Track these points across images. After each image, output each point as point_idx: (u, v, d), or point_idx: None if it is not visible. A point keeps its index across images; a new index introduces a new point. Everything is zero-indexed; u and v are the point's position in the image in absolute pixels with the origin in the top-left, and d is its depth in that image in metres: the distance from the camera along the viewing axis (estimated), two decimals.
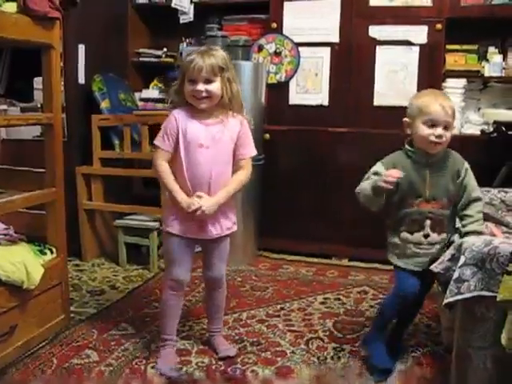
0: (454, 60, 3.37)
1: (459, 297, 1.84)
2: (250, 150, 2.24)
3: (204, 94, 2.08)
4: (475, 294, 1.81)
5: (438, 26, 3.28)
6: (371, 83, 3.43)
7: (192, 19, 3.84)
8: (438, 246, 2.21)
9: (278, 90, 3.61)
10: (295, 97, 3.59)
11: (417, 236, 2.23)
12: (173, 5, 3.81)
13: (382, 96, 3.42)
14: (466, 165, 2.24)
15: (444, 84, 3.35)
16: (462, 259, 1.84)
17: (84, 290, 3.05)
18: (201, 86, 2.07)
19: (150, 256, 3.35)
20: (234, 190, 2.21)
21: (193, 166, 2.13)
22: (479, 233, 2.14)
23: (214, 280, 2.34)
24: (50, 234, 2.54)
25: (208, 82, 2.08)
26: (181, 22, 3.86)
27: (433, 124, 2.13)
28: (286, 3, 3.55)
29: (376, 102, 3.44)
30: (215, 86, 2.09)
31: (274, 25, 3.58)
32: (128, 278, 3.27)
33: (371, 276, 3.34)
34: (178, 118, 2.14)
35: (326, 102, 3.53)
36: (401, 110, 3.34)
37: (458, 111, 3.31)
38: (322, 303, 2.92)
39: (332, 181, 3.54)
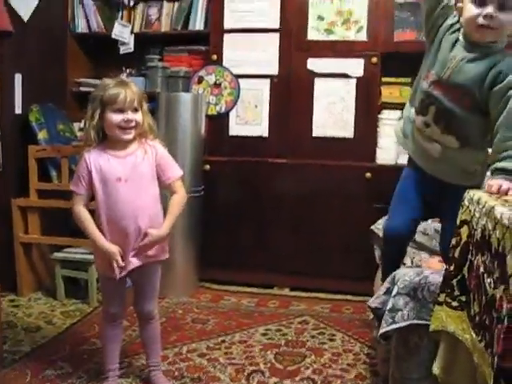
0: (389, 92, 3.47)
1: (394, 326, 1.87)
2: (175, 171, 2.22)
3: (133, 124, 2.08)
4: (408, 322, 1.85)
5: (374, 59, 3.38)
6: (310, 115, 3.49)
7: (132, 50, 3.83)
8: (439, 149, 1.95)
9: (218, 121, 3.63)
10: (235, 128, 3.61)
11: (419, 119, 1.99)
12: (113, 35, 3.81)
13: (321, 127, 3.48)
14: None
15: (380, 116, 3.44)
16: (395, 289, 1.88)
17: (19, 327, 2.94)
18: (131, 115, 2.07)
19: (89, 290, 3.27)
20: (177, 213, 2.21)
21: (116, 202, 2.10)
22: (509, 171, 1.75)
23: (144, 312, 2.30)
24: None
25: (135, 111, 2.09)
26: (121, 52, 3.84)
27: (483, 0, 1.76)
28: (226, 35, 3.59)
29: (315, 133, 3.49)
30: (140, 116, 2.11)
31: (214, 56, 3.60)
32: (66, 313, 3.17)
33: (312, 306, 3.35)
34: (90, 159, 2.11)
35: (265, 134, 3.56)
36: (339, 141, 3.47)
37: (394, 142, 3.40)
38: (264, 335, 2.91)
39: (272, 211, 3.56)
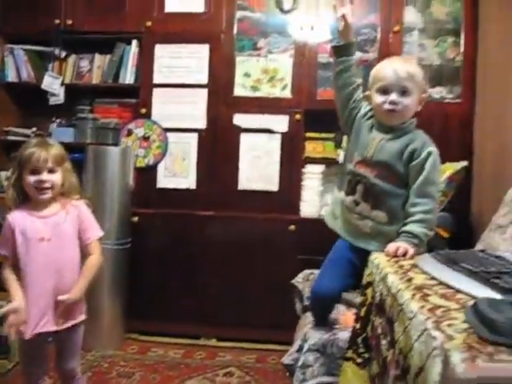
0: (313, 147, 3.61)
1: None
2: (95, 232, 2.25)
3: (48, 185, 2.10)
4: (318, 379, 1.92)
5: (298, 116, 3.53)
6: (236, 168, 3.59)
7: (62, 101, 3.85)
8: (370, 224, 2.10)
9: (147, 174, 3.68)
10: (163, 180, 3.67)
11: (348, 199, 2.15)
12: (42, 86, 3.82)
13: (246, 180, 3.59)
14: (431, 149, 2.01)
15: (303, 170, 3.58)
16: (306, 346, 1.97)
17: None
18: (45, 176, 2.09)
19: (10, 345, 3.21)
20: (91, 276, 2.22)
21: (36, 262, 2.10)
22: (412, 234, 1.94)
23: (66, 370, 2.28)
24: None
25: (51, 172, 2.11)
26: (50, 103, 3.86)
27: (386, 90, 2.03)
28: (155, 89, 3.68)
29: (240, 187, 3.59)
30: (58, 176, 2.13)
31: (143, 110, 3.68)
32: None
33: (238, 356, 3.39)
34: (13, 220, 2.12)
35: (193, 186, 3.64)
36: (264, 194, 3.58)
37: (317, 195, 3.55)
38: None
39: (199, 263, 3.61)
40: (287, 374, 2.19)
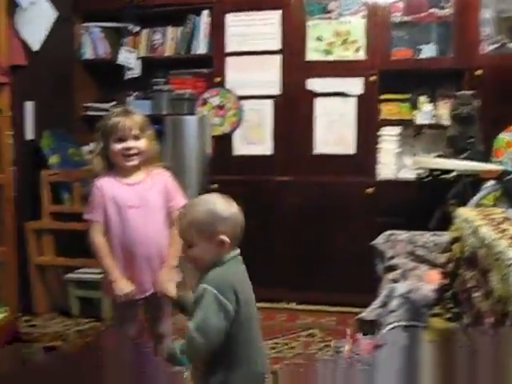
0: (388, 109, 3.56)
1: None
2: (180, 200, 2.25)
3: (134, 151, 2.17)
4: (401, 323, 1.94)
5: (372, 78, 3.49)
6: (311, 133, 3.60)
7: (138, 75, 3.94)
8: None
9: (223, 142, 3.74)
10: (240, 147, 3.72)
11: None
12: (119, 61, 3.92)
13: (322, 144, 3.59)
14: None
15: (379, 132, 3.54)
16: (394, 294, 1.99)
17: (35, 347, 3.04)
18: (131, 143, 2.16)
19: (103, 308, 3.37)
20: (180, 247, 2.29)
21: (127, 228, 2.17)
22: None
23: (156, 334, 2.35)
24: (2, 293, 2.54)
25: (136, 138, 2.17)
26: (127, 77, 3.95)
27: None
28: (228, 58, 3.72)
29: (316, 151, 3.60)
30: (143, 143, 2.19)
31: (218, 79, 3.73)
32: (81, 332, 3.27)
33: (319, 318, 3.44)
34: (102, 187, 2.19)
35: (269, 152, 3.68)
36: (339, 158, 3.57)
37: (394, 157, 3.52)
38: (272, 348, 3.00)
39: (277, 228, 3.66)
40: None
